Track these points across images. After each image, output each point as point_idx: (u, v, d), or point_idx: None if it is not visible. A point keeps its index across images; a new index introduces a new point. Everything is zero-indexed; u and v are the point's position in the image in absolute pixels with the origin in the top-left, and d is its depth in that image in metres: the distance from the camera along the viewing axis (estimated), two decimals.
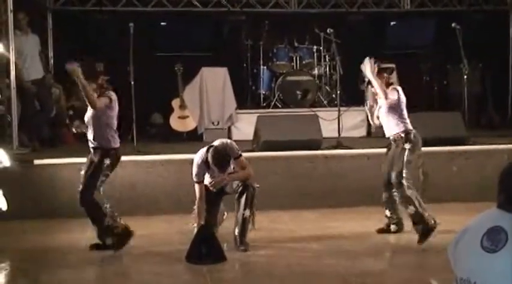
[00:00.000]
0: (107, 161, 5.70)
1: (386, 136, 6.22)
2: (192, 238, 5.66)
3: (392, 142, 6.15)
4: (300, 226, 6.87)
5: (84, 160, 5.93)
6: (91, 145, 5.78)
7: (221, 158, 5.75)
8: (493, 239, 2.00)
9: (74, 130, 6.51)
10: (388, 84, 6.13)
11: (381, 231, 6.46)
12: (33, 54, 8.76)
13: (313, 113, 9.18)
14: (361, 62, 6.05)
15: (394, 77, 6.36)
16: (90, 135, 5.78)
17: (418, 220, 5.91)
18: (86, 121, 5.82)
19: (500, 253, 1.97)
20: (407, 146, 5.99)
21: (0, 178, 6.55)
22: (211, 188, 5.85)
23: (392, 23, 11.52)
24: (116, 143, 5.83)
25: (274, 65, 10.51)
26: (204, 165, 5.88)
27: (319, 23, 10.45)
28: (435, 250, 5.74)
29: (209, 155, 5.77)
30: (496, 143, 8.30)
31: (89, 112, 5.76)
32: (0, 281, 5.45)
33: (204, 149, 5.91)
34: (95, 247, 5.89)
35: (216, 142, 5.91)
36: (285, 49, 10.56)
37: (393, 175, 6.02)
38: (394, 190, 6.07)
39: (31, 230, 6.77)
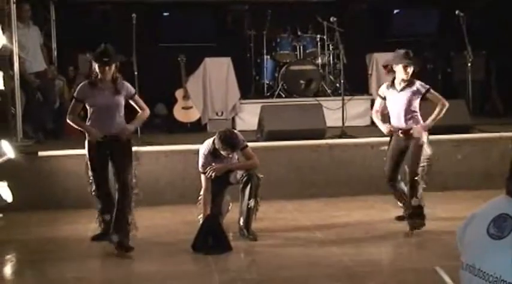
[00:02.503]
0: (131, 145, 5.69)
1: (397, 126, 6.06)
2: (197, 228, 5.69)
3: (402, 135, 6.02)
4: (304, 216, 6.87)
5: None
6: (112, 132, 5.53)
7: (229, 136, 5.78)
8: (500, 226, 1.99)
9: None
10: (407, 80, 6.08)
11: (400, 218, 6.44)
12: (35, 46, 8.74)
13: (317, 102, 9.17)
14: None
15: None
16: (111, 124, 5.55)
17: (418, 213, 5.88)
18: (99, 109, 5.56)
19: (506, 240, 1.95)
20: (424, 140, 5.91)
21: (4, 170, 6.55)
22: (212, 173, 5.83)
23: (395, 11, 11.46)
24: None
25: (278, 54, 10.46)
26: (211, 155, 5.89)
27: (322, 12, 10.39)
28: (440, 238, 5.75)
29: (216, 140, 5.78)
30: (501, 131, 8.27)
31: (104, 99, 5.52)
32: (7, 272, 5.48)
33: (210, 139, 5.93)
34: (96, 238, 5.93)
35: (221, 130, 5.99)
36: (288, 38, 10.51)
37: (410, 170, 5.91)
38: (403, 181, 5.99)
39: (36, 222, 6.80)
